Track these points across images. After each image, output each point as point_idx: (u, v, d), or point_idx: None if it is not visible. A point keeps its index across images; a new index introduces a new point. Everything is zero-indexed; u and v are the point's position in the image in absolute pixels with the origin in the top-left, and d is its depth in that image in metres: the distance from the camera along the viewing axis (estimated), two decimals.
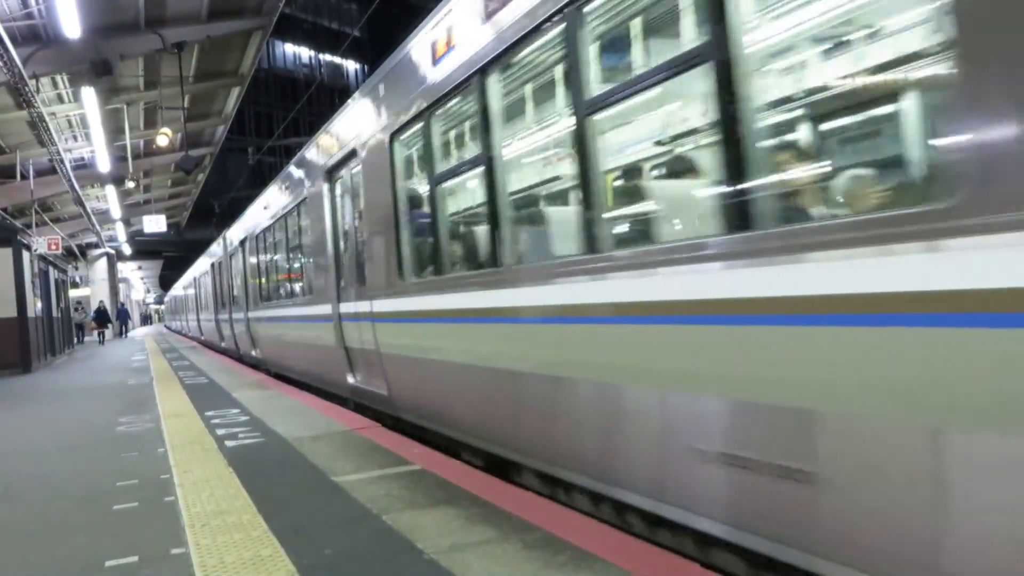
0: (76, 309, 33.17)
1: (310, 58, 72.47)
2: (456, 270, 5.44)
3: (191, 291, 29.94)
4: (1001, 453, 1.95)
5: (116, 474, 5.02)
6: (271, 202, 12.05)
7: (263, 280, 13.36)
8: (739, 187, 2.68)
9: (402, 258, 6.08)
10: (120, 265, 45.30)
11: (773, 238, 2.53)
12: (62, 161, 18.55)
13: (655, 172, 4.72)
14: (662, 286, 3.04)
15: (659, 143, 4.66)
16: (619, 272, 3.36)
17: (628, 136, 4.71)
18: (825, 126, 3.84)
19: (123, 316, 39.06)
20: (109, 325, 35.31)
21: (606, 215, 3.71)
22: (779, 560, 2.71)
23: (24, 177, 20.50)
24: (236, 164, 52.69)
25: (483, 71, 4.44)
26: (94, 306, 33.97)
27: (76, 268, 34.09)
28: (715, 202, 2.87)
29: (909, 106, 3.32)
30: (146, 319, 79.53)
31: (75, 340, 30.67)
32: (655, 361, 3.13)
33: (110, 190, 24.47)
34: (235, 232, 16.48)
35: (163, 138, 19.04)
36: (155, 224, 29.41)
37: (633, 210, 4.17)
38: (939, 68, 2.38)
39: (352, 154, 7.34)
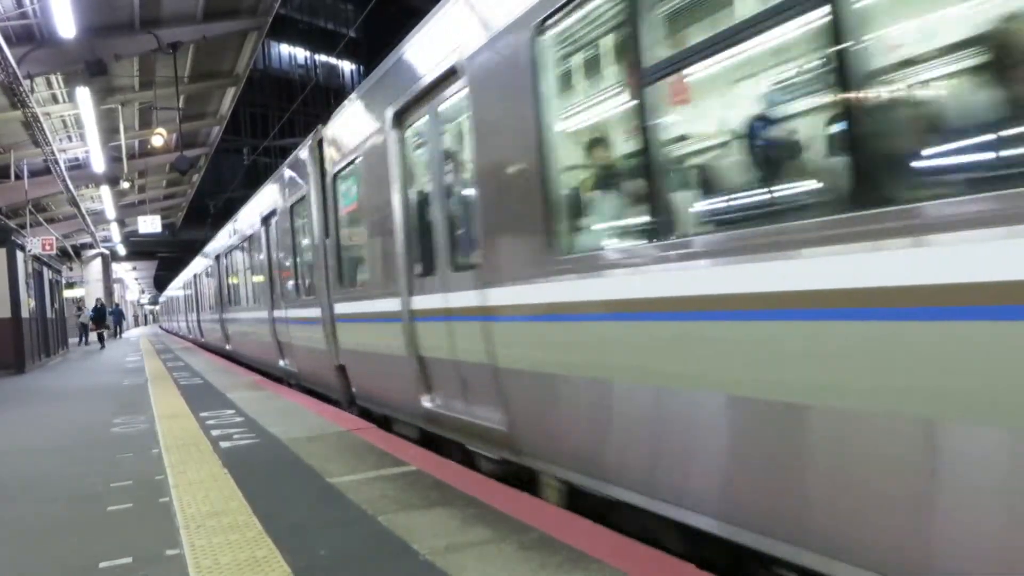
0: (80, 309, 32.61)
1: (306, 59, 72.40)
2: None
3: (204, 279, 22.33)
4: None
5: (110, 475, 5.01)
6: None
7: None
8: None
9: None
10: (115, 266, 45.20)
11: None
12: (56, 161, 18.51)
13: None
14: None
15: None
16: None
17: None
18: None
19: (117, 317, 38.93)
20: (112, 326, 34.96)
21: None
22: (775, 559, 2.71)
23: (18, 177, 20.43)
24: (231, 164, 52.65)
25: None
26: (91, 305, 32.93)
27: (71, 269, 33.94)
28: None
29: None
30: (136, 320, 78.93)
31: (80, 341, 30.54)
32: None
33: (105, 190, 24.43)
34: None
35: (158, 138, 18.98)
36: (150, 224, 29.38)
37: None
38: None
39: None
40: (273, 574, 2.96)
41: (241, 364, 15.28)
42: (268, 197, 11.74)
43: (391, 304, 5.92)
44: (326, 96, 56.53)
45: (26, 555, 3.54)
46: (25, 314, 17.10)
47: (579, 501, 3.96)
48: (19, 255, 17.00)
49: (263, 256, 12.18)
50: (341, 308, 7.63)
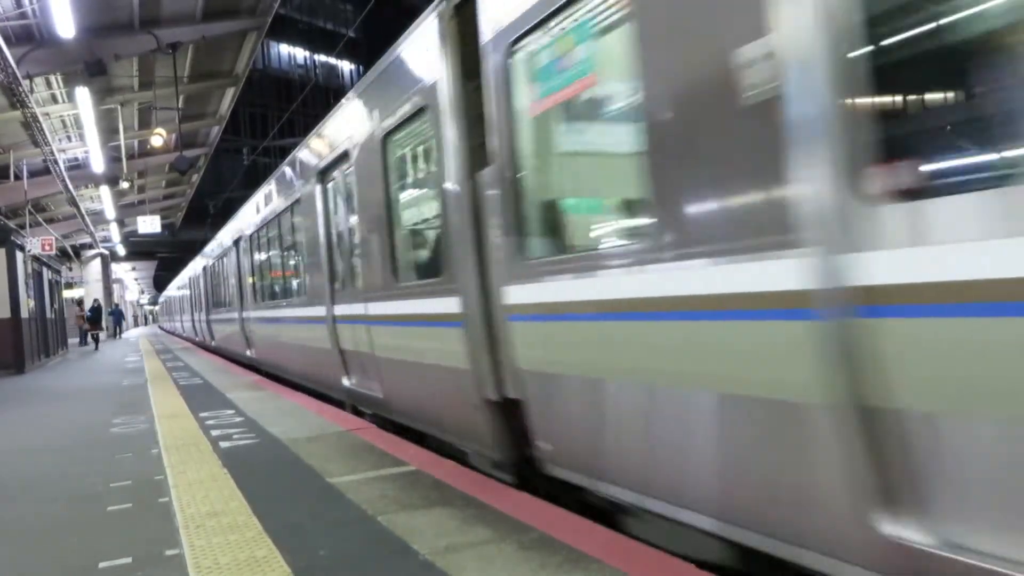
0: (81, 308, 32.19)
1: (305, 59, 72.44)
2: None
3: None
4: None
5: (110, 475, 5.01)
6: None
7: None
8: None
9: None
10: (114, 266, 45.18)
11: None
12: (56, 162, 18.51)
13: None
14: None
15: None
16: None
17: None
18: None
19: (117, 317, 38.91)
20: (112, 326, 34.79)
21: None
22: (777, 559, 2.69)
23: (18, 177, 20.45)
24: (231, 165, 52.73)
25: None
26: (88, 305, 32.32)
27: (70, 269, 33.92)
28: None
29: None
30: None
31: (83, 343, 30.26)
32: None
33: (104, 190, 24.44)
34: None
35: (157, 138, 19.01)
36: (149, 225, 29.38)
37: None
38: None
39: None
40: (273, 574, 2.95)
41: (272, 377, 11.94)
42: (332, 136, 7.80)
43: (756, 274, 2.62)
44: (325, 96, 56.51)
45: (26, 555, 3.54)
46: (25, 314, 17.10)
47: None
48: (19, 255, 17.00)
49: (318, 227, 8.44)
50: (526, 294, 4.05)
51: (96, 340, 28.17)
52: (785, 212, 2.46)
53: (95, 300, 31.29)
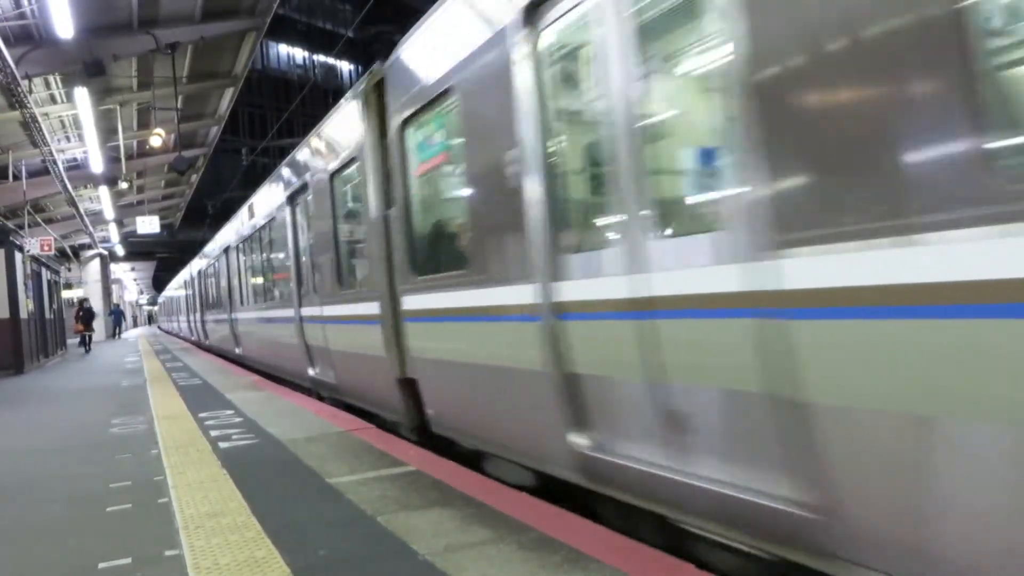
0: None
1: (304, 59, 72.45)
2: None
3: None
4: None
5: (109, 476, 5.00)
6: None
7: None
8: None
9: None
10: (113, 266, 45.14)
11: None
12: (55, 162, 18.48)
13: None
14: None
15: None
16: None
17: None
18: None
19: (116, 317, 38.87)
20: (112, 327, 34.42)
21: None
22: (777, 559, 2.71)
23: (17, 178, 20.43)
24: (230, 165, 52.66)
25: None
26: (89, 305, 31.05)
27: (69, 269, 33.87)
28: None
29: None
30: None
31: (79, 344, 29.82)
32: None
33: (103, 191, 24.38)
34: None
35: (156, 139, 19.00)
36: (148, 225, 29.30)
37: None
38: None
39: None
40: (272, 574, 2.96)
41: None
42: (295, 171, 8.71)
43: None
44: (324, 96, 56.52)
45: (25, 555, 3.54)
46: (24, 315, 17.09)
47: None
48: (17, 256, 17.00)
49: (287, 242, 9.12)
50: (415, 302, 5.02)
51: (87, 342, 26.29)
52: None
53: (86, 299, 29.28)
